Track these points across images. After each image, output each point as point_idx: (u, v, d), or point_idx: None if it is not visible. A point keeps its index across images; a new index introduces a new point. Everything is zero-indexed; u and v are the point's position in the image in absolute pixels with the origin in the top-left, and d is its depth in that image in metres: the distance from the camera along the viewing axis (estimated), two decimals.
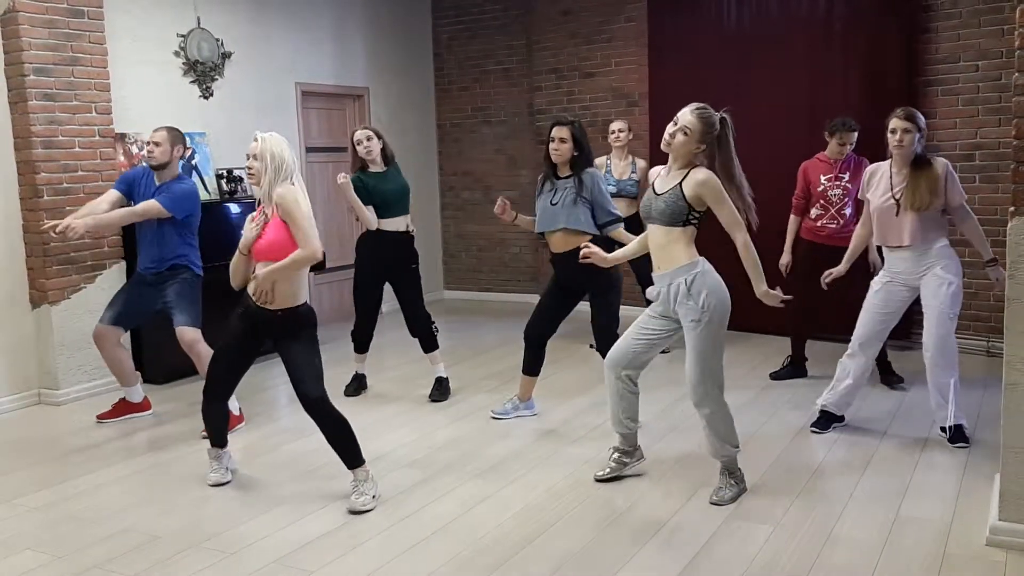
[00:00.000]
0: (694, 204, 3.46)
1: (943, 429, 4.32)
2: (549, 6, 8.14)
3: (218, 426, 4.06)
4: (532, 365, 4.91)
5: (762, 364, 5.89)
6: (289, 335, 3.68)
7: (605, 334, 4.62)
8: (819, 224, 5.39)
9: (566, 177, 4.62)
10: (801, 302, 5.45)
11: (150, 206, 4.71)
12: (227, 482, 4.04)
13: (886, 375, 5.38)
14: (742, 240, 3.49)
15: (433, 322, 5.41)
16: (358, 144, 5.23)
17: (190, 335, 4.72)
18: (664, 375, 5.57)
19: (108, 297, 5.08)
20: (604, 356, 4.46)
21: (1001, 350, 3.23)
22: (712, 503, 3.64)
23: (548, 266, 8.18)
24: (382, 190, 5.23)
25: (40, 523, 3.67)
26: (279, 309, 3.68)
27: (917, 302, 4.38)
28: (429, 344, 5.41)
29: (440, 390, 5.39)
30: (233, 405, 4.85)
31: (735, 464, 3.75)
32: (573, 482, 3.97)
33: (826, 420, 4.57)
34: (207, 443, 4.13)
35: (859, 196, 4.63)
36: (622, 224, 4.66)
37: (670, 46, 7.23)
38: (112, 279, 5.61)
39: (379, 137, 5.26)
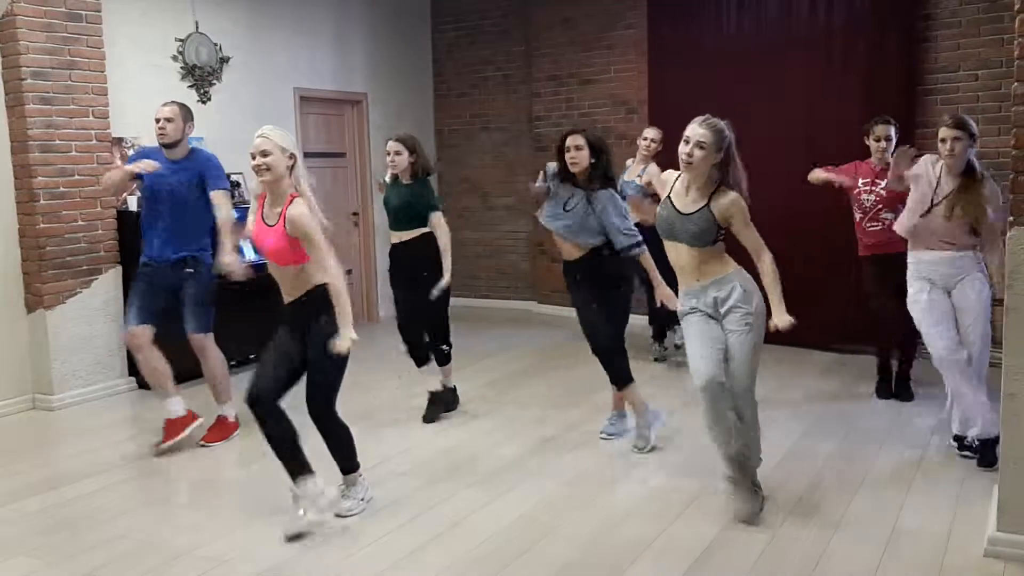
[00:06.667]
0: (721, 224, 3.50)
1: (982, 443, 4.10)
2: (549, 13, 8.14)
3: (285, 448, 3.59)
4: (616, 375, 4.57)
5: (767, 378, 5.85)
6: (312, 318, 3.56)
7: (602, 337, 4.50)
8: (865, 228, 5.17)
9: (585, 188, 4.37)
10: (881, 318, 5.23)
11: (224, 198, 4.57)
12: (311, 529, 3.54)
13: (900, 384, 5.28)
14: (769, 259, 3.49)
15: (447, 345, 5.15)
16: (387, 154, 5.10)
17: (200, 341, 4.69)
18: (664, 384, 5.55)
19: (104, 302, 5.05)
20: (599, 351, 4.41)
21: (1000, 360, 3.22)
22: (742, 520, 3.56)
23: (545, 273, 8.27)
24: (390, 204, 5.11)
25: (33, 529, 3.65)
26: (302, 295, 3.58)
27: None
28: (439, 360, 5.18)
29: (445, 401, 5.26)
30: (229, 411, 4.83)
31: (755, 473, 3.69)
32: (570, 491, 3.95)
33: (961, 444, 4.28)
34: (207, 450, 4.02)
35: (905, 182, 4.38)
36: (645, 249, 4.36)
37: (669, 54, 7.23)
38: (108, 284, 5.60)
39: (411, 151, 5.04)
